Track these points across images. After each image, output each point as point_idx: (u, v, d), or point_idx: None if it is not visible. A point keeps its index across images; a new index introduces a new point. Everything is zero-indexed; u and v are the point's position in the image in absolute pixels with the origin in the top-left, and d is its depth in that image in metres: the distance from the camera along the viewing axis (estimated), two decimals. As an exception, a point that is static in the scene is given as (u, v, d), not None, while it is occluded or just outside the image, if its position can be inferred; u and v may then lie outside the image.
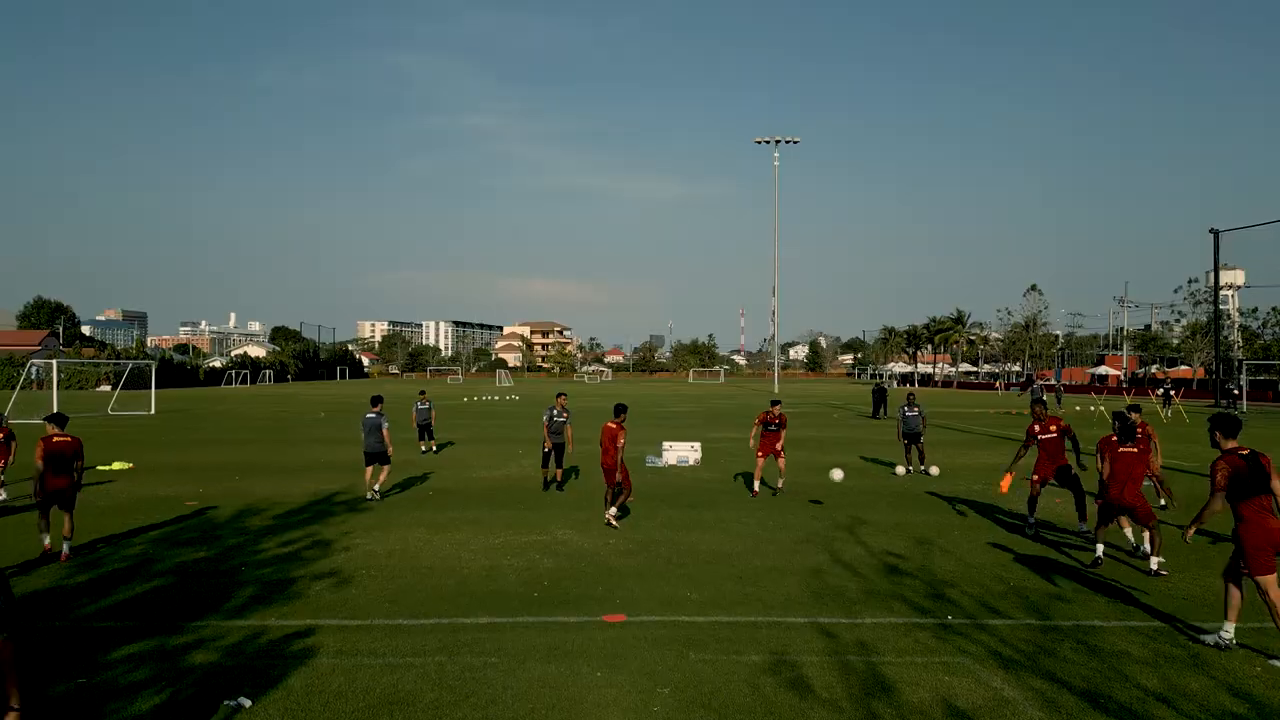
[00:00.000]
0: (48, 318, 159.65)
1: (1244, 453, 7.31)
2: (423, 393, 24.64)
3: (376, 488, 15.43)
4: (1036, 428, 12.90)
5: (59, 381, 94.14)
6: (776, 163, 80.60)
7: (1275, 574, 7.01)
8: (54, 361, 40.24)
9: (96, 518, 13.52)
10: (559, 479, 16.81)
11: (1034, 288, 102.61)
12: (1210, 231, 54.71)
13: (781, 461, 16.28)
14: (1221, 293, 75.74)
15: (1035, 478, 12.66)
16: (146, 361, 51.77)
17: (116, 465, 20.66)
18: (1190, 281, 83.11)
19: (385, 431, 15.23)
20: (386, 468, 15.59)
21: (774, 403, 16.52)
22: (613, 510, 12.79)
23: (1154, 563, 10.04)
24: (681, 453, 20.91)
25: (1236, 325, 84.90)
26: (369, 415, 15.43)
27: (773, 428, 16.21)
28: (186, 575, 9.86)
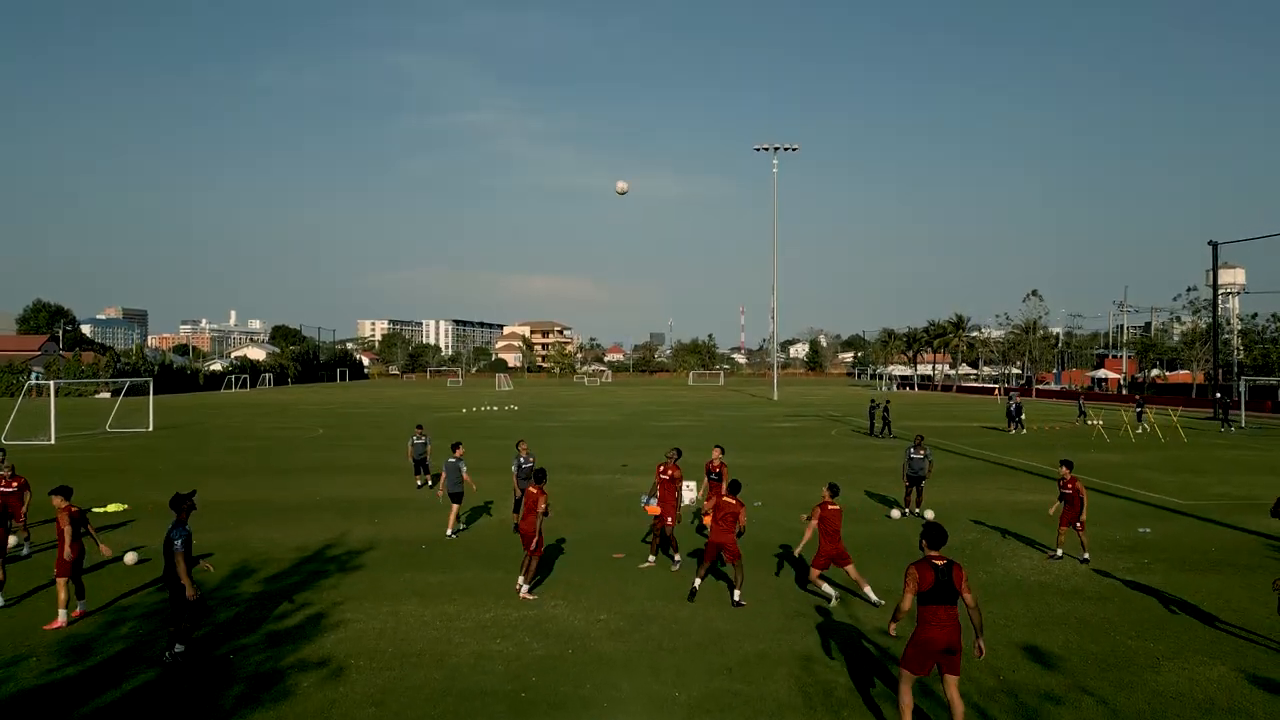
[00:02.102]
0: (47, 321, 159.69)
1: (939, 562, 7.76)
2: (420, 427, 24.61)
3: (449, 531, 17.25)
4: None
5: (58, 390, 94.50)
6: (775, 170, 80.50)
7: (918, 679, 7.88)
8: (52, 383, 40.14)
9: (93, 578, 13.48)
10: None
11: (1034, 293, 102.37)
12: (1209, 244, 54.63)
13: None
14: (1222, 291, 75.62)
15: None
16: (145, 379, 51.66)
17: (112, 508, 20.63)
18: (1189, 289, 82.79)
19: (465, 474, 17.23)
20: (456, 507, 17.35)
21: (716, 447, 16.50)
22: (525, 586, 12.62)
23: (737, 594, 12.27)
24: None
25: (1236, 330, 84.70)
26: (450, 460, 17.34)
27: (713, 477, 16.24)
28: (175, 667, 9.83)
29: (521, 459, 17.44)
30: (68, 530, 11.47)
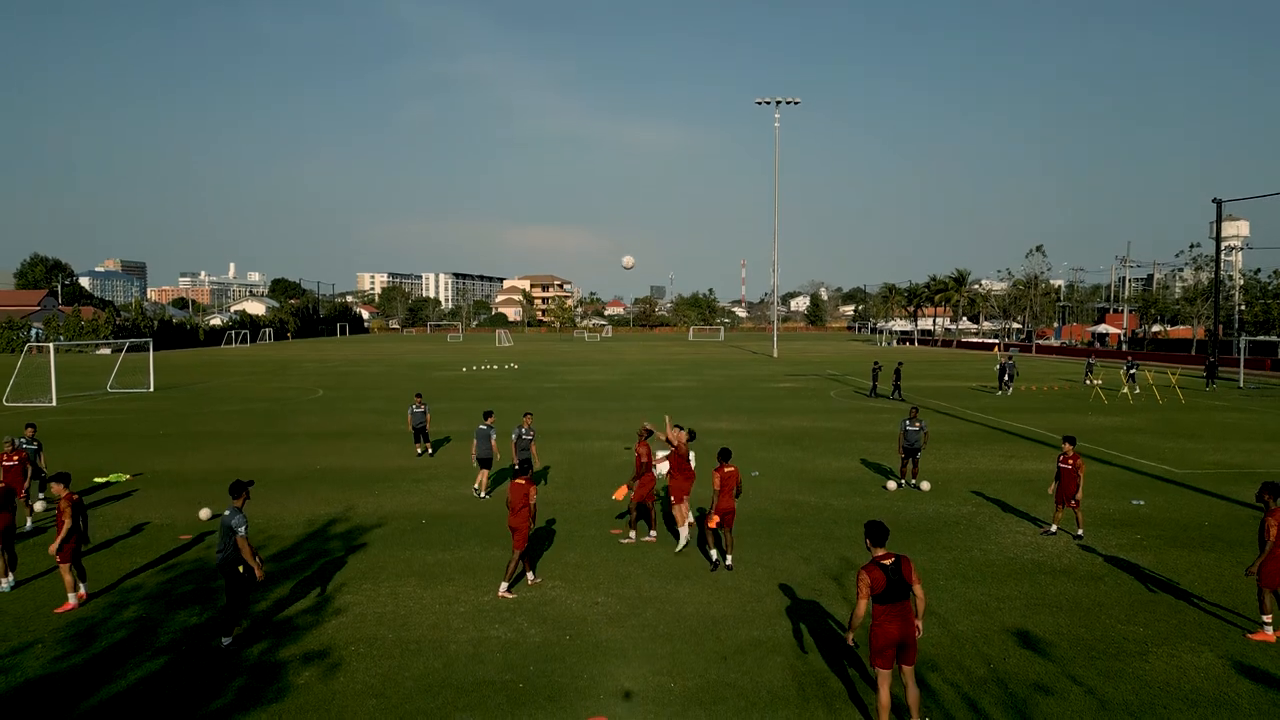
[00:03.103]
0: (44, 274, 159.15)
1: (887, 561, 7.91)
2: (419, 395, 24.65)
3: (481, 491, 18.54)
4: None
5: (59, 349, 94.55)
6: (777, 124, 79.55)
7: (890, 671, 7.96)
8: (51, 345, 40.16)
9: (98, 557, 13.63)
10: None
11: (1038, 249, 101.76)
12: (1214, 202, 54.14)
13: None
14: (1225, 243, 75.07)
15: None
16: (145, 340, 51.70)
17: (113, 477, 20.76)
18: (1192, 246, 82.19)
19: (494, 442, 18.32)
20: (485, 472, 18.48)
21: (677, 427, 16.53)
22: (505, 585, 12.07)
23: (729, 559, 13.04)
24: (675, 463, 20.97)
25: (1239, 286, 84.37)
26: (481, 427, 18.45)
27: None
28: (179, 656, 9.98)
29: (523, 430, 18.03)
30: (68, 523, 11.54)
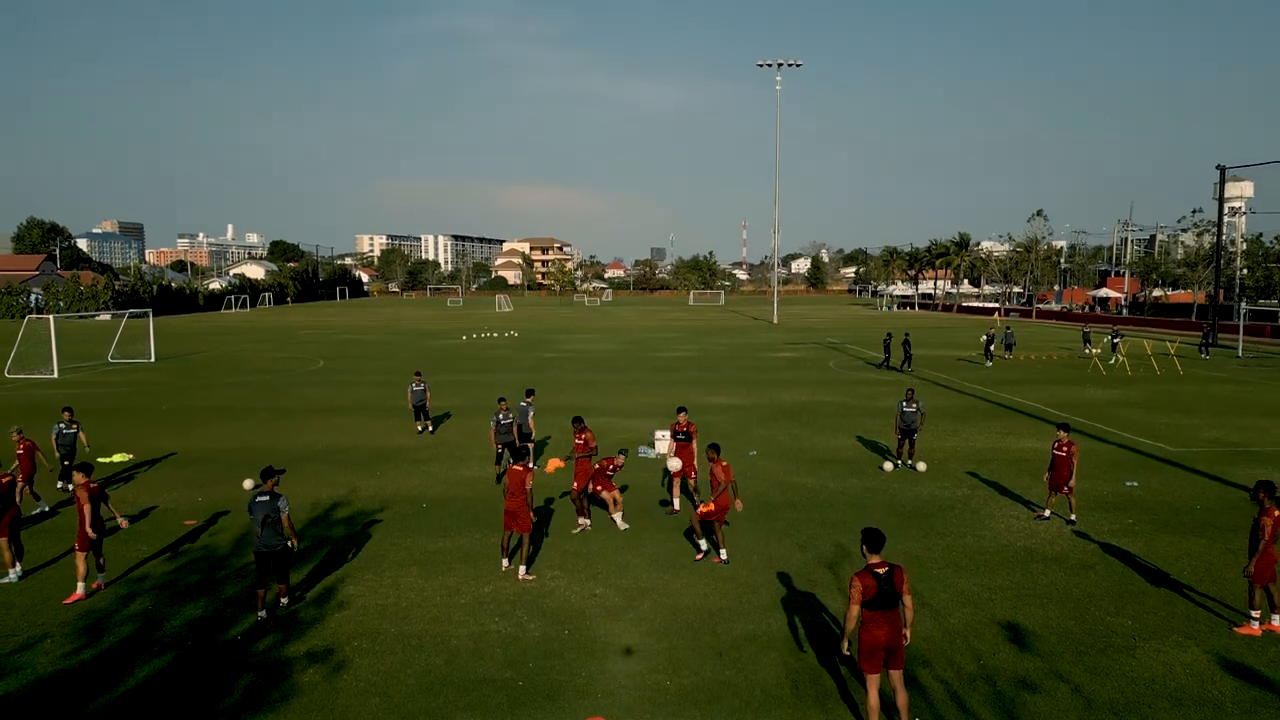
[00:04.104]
0: (41, 238, 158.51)
1: (880, 570, 8.07)
2: (418, 374, 24.75)
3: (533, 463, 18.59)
4: None
5: (59, 310, 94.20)
6: (778, 88, 78.70)
7: (878, 675, 8.15)
8: (51, 318, 40.20)
9: (105, 543, 13.81)
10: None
11: (1039, 214, 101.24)
12: (1217, 168, 53.76)
13: (692, 476, 16.47)
14: (1228, 203, 74.49)
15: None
16: (144, 312, 51.71)
17: (117, 458, 20.94)
18: (1194, 211, 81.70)
19: (531, 419, 19.15)
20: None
21: (679, 410, 16.74)
22: (522, 568, 12.59)
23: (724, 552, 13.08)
24: (674, 442, 21.13)
25: (1240, 251, 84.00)
26: (522, 404, 19.25)
27: (680, 437, 16.45)
28: (185, 653, 10.19)
29: (500, 416, 18.29)
30: (87, 508, 11.73)
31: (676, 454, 16.28)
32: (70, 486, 17.55)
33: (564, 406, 28.68)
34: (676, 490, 16.11)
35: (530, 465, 13.10)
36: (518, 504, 12.41)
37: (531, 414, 19.23)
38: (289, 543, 11.38)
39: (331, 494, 17.43)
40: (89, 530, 11.77)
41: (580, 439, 15.50)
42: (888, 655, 8.13)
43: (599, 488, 15.08)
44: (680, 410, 16.85)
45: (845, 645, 8.36)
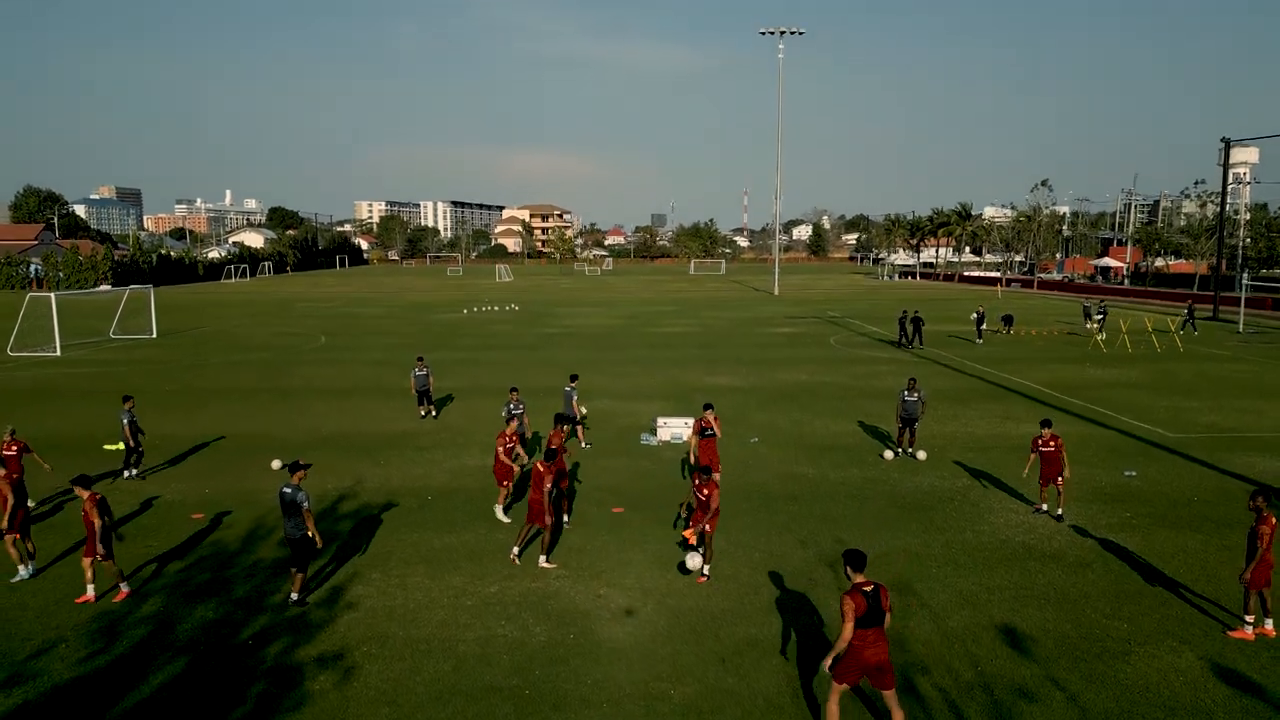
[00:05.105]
0: (38, 206, 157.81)
1: (868, 589, 8.28)
2: (420, 358, 24.84)
3: (584, 443, 20.44)
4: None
5: (59, 284, 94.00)
6: (781, 55, 77.93)
7: (846, 688, 8.43)
8: (53, 295, 40.22)
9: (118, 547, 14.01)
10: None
11: (1044, 183, 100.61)
12: (1222, 140, 53.37)
13: (717, 470, 16.15)
14: (1233, 168, 73.96)
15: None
16: (145, 286, 51.67)
17: (123, 445, 21.01)
18: (1197, 183, 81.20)
19: (575, 403, 20.16)
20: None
21: (706, 407, 16.80)
22: (542, 556, 13.10)
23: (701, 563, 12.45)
24: (675, 429, 21.31)
25: (1244, 221, 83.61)
26: (566, 389, 20.41)
27: (708, 434, 16.51)
28: (199, 657, 10.39)
29: (511, 405, 18.23)
30: (98, 522, 11.75)
31: (701, 450, 16.33)
32: (131, 474, 18.27)
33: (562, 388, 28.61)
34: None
35: (552, 466, 13.39)
36: (538, 498, 12.91)
37: (575, 398, 20.30)
38: (309, 533, 11.75)
39: (338, 485, 17.58)
40: (100, 546, 11.80)
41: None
42: (876, 675, 8.31)
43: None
44: (707, 407, 16.88)
45: (829, 662, 8.39)
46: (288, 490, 11.81)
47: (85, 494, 11.99)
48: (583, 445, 20.45)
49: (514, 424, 15.88)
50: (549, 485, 12.97)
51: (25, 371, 33.95)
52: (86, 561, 12.00)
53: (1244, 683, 9.73)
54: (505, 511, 15.36)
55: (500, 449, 15.37)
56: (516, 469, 15.52)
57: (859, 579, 8.38)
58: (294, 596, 11.81)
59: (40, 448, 17.28)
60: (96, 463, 19.34)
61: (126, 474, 18.26)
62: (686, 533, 12.72)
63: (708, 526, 12.58)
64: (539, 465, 13.09)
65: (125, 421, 18.04)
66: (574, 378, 20.98)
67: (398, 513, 15.90)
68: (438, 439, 21.78)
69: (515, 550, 13.34)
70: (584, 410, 20.75)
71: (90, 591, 12.04)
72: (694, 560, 12.15)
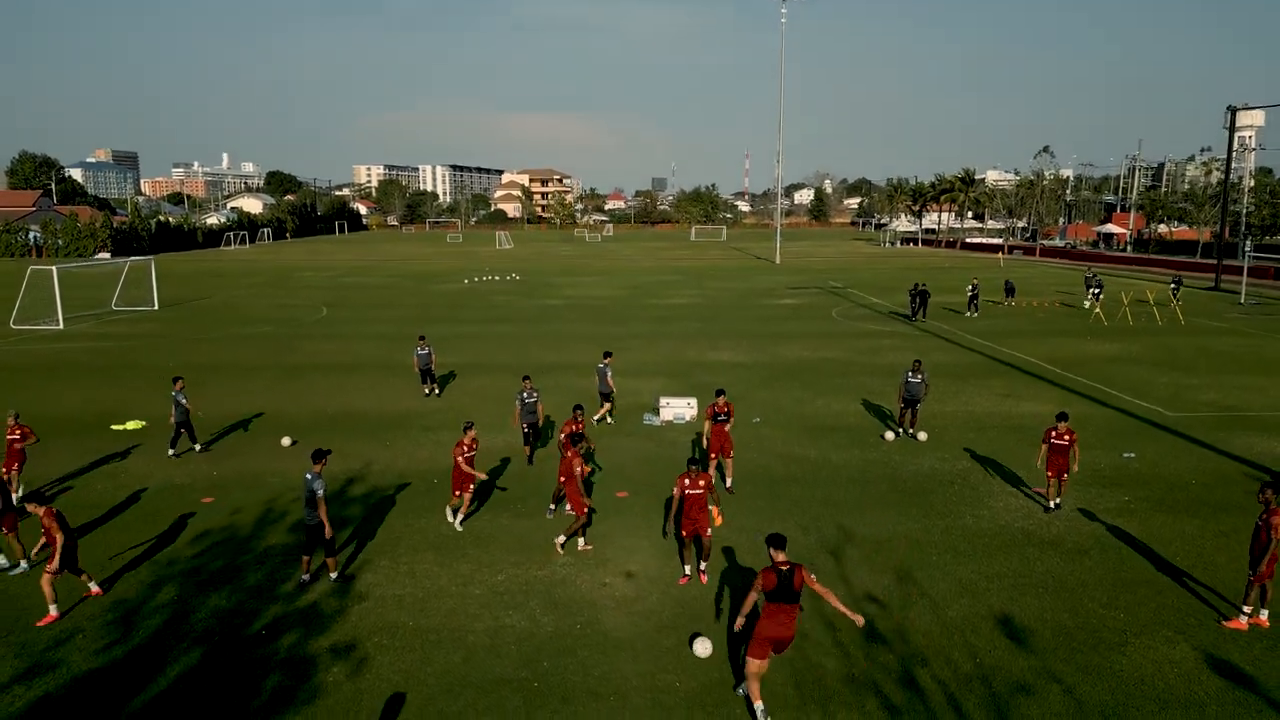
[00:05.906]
0: (34, 171, 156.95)
1: (783, 568, 8.95)
2: (422, 337, 24.92)
3: (608, 419, 21.14)
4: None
5: (59, 252, 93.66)
6: (783, 19, 77.05)
7: (765, 662, 9.03)
8: (54, 269, 40.20)
9: (127, 520, 14.25)
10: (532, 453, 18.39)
11: (1046, 149, 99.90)
12: (1227, 109, 52.92)
13: (729, 456, 16.47)
14: (1238, 132, 73.36)
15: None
16: (146, 258, 51.56)
17: (130, 425, 21.22)
18: (1203, 150, 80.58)
19: (610, 378, 20.62)
20: (608, 405, 20.96)
21: (719, 392, 16.87)
22: (581, 540, 13.57)
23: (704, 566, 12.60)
24: (678, 409, 21.46)
25: (1248, 188, 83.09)
26: (600, 365, 20.88)
27: (720, 418, 16.59)
28: (213, 648, 10.61)
29: (524, 394, 18.02)
30: (59, 537, 11.30)
31: (714, 435, 16.38)
32: (196, 449, 18.82)
33: (568, 365, 28.77)
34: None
35: (579, 450, 13.82)
36: (570, 488, 13.42)
37: (610, 374, 20.74)
38: (320, 521, 12.15)
39: (345, 467, 17.71)
40: (57, 563, 11.22)
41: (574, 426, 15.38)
42: (779, 648, 9.12)
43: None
44: (719, 393, 16.91)
45: (739, 623, 9.25)
46: (309, 477, 12.21)
47: (40, 510, 11.37)
48: (608, 421, 21.02)
49: (472, 432, 14.78)
50: (579, 470, 13.34)
51: (29, 346, 34.05)
52: (45, 579, 11.29)
53: (1237, 675, 9.95)
54: (460, 522, 14.54)
55: (459, 458, 14.36)
56: (481, 475, 14.72)
57: (779, 558, 9.05)
58: (333, 576, 12.44)
59: (47, 428, 17.44)
60: (105, 443, 19.51)
61: (197, 448, 19.01)
62: (713, 509, 12.93)
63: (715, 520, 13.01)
64: (567, 452, 13.68)
65: (180, 401, 18.36)
66: (608, 354, 21.21)
67: (405, 496, 16.10)
68: (443, 419, 21.92)
69: (580, 542, 13.60)
70: (614, 386, 21.07)
71: (53, 610, 11.32)
72: (703, 646, 10.46)
